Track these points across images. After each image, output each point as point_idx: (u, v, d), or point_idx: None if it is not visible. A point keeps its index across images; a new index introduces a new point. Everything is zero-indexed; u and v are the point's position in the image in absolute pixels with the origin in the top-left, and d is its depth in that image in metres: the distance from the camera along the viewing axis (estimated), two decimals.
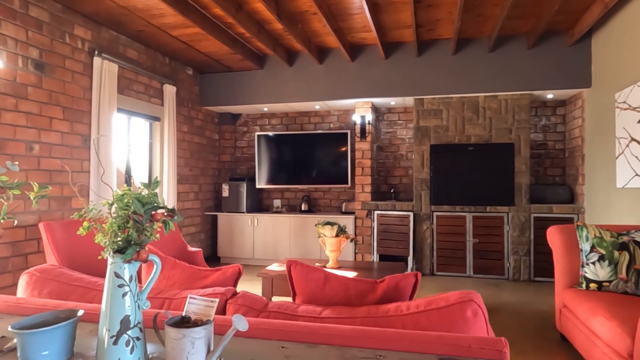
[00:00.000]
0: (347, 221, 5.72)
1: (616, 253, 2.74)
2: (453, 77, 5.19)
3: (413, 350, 1.12)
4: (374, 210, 5.58)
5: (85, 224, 1.06)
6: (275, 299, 3.49)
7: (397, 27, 4.76)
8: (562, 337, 3.13)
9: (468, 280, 5.12)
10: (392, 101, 5.72)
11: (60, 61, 3.78)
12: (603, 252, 2.77)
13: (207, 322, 1.04)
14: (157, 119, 5.11)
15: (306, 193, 6.52)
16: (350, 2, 4.06)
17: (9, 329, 1.01)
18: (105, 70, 4.11)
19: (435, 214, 5.37)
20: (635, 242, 2.75)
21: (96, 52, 4.06)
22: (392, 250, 5.49)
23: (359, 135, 5.70)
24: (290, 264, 1.68)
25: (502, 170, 5.12)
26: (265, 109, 6.35)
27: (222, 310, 1.52)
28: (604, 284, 2.75)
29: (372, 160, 5.88)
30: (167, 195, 5.11)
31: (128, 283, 1.04)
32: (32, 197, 1.20)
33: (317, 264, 3.89)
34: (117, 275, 1.04)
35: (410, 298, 1.61)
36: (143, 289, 1.10)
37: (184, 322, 1.08)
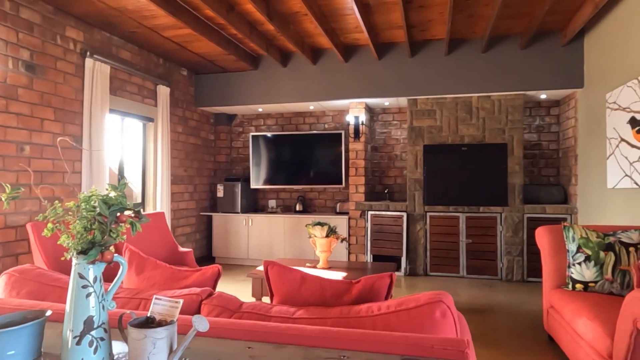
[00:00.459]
0: (341, 221, 5.73)
1: (602, 254, 2.75)
2: (446, 78, 5.19)
3: (378, 350, 1.13)
4: (368, 211, 5.59)
5: (49, 225, 1.07)
6: (265, 299, 3.50)
7: (389, 28, 4.77)
8: (550, 338, 3.14)
9: (461, 281, 5.13)
10: (386, 101, 5.72)
11: (52, 62, 3.79)
12: (589, 252, 2.78)
13: (170, 323, 1.05)
14: (150, 119, 5.12)
15: (301, 193, 6.53)
16: (341, 3, 4.07)
17: None
18: (97, 71, 4.13)
19: (428, 214, 5.38)
20: (621, 242, 2.75)
21: (88, 54, 4.07)
22: (386, 251, 5.49)
23: (352, 135, 5.71)
24: (267, 265, 1.69)
25: (495, 171, 5.13)
26: (260, 110, 6.36)
27: (196, 311, 1.53)
28: (590, 284, 2.76)
29: (366, 160, 5.89)
30: (161, 196, 5.13)
31: (92, 284, 1.05)
32: (3, 199, 1.21)
33: (307, 264, 3.90)
34: (81, 276, 1.05)
35: (386, 298, 1.62)
36: (109, 290, 1.11)
37: (149, 323, 1.09)
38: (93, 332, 1.03)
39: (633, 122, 3.47)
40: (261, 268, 3.66)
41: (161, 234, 4.07)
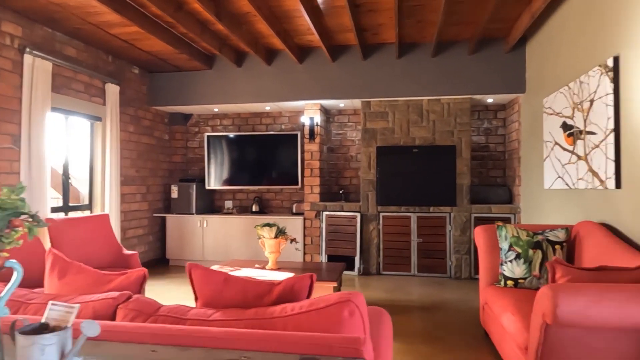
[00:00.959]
0: (297, 222, 5.75)
1: (531, 251, 2.90)
2: (398, 81, 5.31)
3: (279, 350, 1.16)
4: (323, 211, 5.64)
5: None
6: None
7: (341, 31, 4.84)
8: (485, 333, 3.28)
9: (413, 279, 5.26)
10: (341, 103, 5.79)
11: None
12: (519, 250, 2.92)
13: (63, 329, 1.04)
14: (98, 118, 4.98)
15: (258, 194, 6.52)
16: (291, 5, 4.10)
17: None
18: (37, 68, 3.98)
19: (381, 214, 5.48)
20: (549, 240, 2.91)
21: (27, 50, 3.92)
22: (341, 251, 5.56)
23: (308, 136, 5.74)
24: (190, 267, 1.69)
25: (445, 172, 5.29)
26: (216, 110, 6.30)
27: (112, 316, 1.51)
28: (520, 281, 2.90)
29: (322, 161, 5.94)
30: (110, 197, 4.99)
31: None
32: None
33: (256, 265, 3.90)
34: None
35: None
36: (1, 296, 1.09)
37: (43, 329, 1.07)
38: None
39: (565, 126, 3.67)
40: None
41: (105, 236, 3.97)
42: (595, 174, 3.12)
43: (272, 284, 1.64)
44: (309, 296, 1.64)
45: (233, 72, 5.70)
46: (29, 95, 3.92)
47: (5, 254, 1.08)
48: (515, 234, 2.98)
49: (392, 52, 5.30)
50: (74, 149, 4.82)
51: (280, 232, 3.81)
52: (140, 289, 1.83)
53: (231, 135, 6.32)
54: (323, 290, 3.35)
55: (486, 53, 5.12)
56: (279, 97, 5.61)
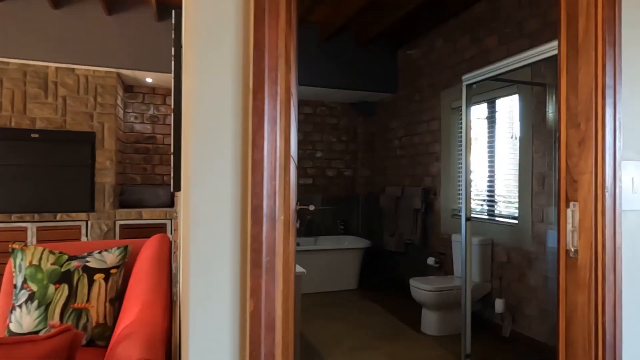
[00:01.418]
0: None
1: (52, 288, 1.86)
2: (4, 32, 3.72)
3: None
4: None
5: None
6: None
7: None
8: None
9: None
10: None
11: None
12: (35, 287, 1.84)
13: None
14: None
15: None
16: None
17: None
18: None
19: None
20: (86, 268, 1.93)
21: None
22: None
23: None
24: None
25: (79, 167, 3.98)
26: None
27: None
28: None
29: None
30: None
31: None
32: None
33: None
34: None
35: None
36: None
37: None
38: None
39: None
40: None
41: None
42: None
43: None
44: None
45: None
46: None
47: None
48: (36, 262, 1.90)
49: None
50: None
51: None
52: None
53: None
54: None
55: (129, 18, 4.06)
56: None
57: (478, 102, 3.81)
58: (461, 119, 3.99)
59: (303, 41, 4.65)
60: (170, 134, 4.93)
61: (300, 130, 5.54)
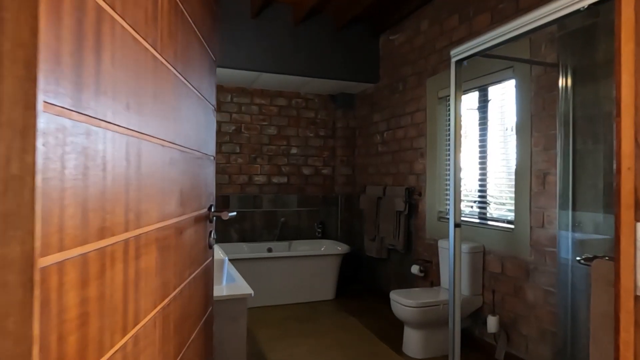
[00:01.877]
0: None
1: None
2: None
3: None
4: None
5: None
6: None
7: None
8: None
9: None
10: None
11: None
12: None
13: None
14: None
15: None
16: None
17: None
18: None
19: None
20: None
21: None
22: None
23: None
24: None
25: None
26: None
27: None
28: None
29: None
30: None
31: None
32: None
33: None
34: None
35: None
36: None
37: None
38: None
39: None
40: None
41: None
42: None
43: None
44: None
45: None
46: None
47: None
48: None
49: None
50: None
51: None
52: None
53: None
54: None
55: None
56: None
57: (468, 91, 3.36)
58: (449, 108, 3.54)
59: (272, 24, 4.16)
60: None
61: (274, 124, 5.05)
